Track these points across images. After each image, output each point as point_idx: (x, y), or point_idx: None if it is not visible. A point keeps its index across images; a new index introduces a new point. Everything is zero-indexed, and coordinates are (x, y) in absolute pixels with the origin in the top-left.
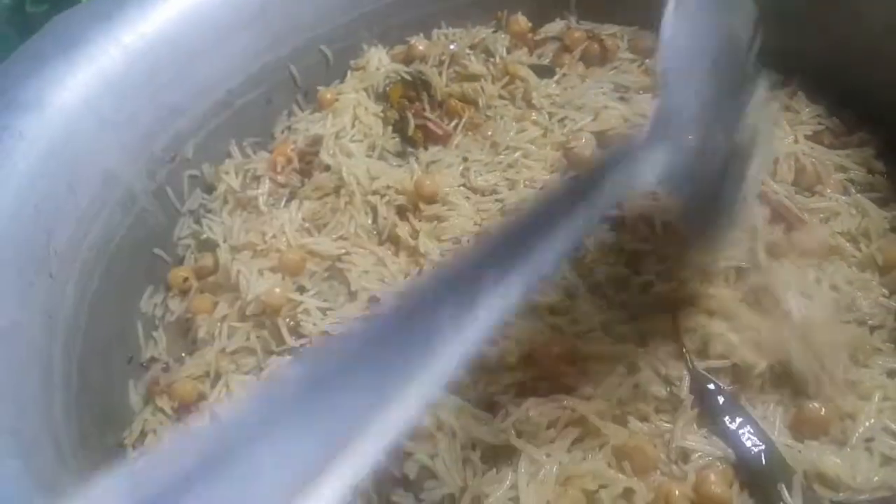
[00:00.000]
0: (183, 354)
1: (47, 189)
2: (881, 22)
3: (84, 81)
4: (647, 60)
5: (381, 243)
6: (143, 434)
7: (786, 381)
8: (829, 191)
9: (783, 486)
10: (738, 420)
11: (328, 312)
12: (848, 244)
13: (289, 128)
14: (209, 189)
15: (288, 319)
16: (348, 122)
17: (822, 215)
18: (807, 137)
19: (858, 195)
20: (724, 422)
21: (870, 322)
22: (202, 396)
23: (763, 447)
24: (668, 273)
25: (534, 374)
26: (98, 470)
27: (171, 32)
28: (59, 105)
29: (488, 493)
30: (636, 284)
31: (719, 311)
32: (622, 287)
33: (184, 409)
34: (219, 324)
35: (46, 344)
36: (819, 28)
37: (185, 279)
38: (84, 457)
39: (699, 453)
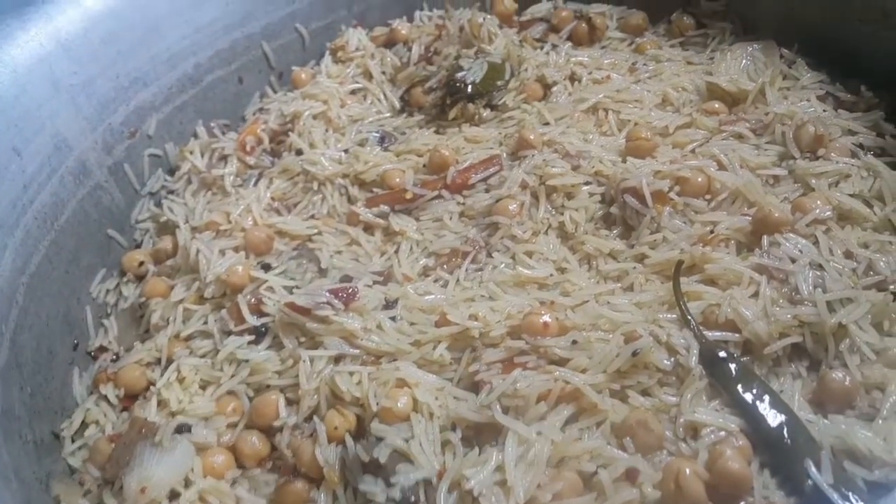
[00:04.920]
0: (135, 344)
1: None
2: None
3: (38, 40)
4: (637, 39)
5: (353, 224)
6: (83, 425)
7: (802, 353)
8: (833, 154)
9: (810, 461)
10: (754, 390)
11: (294, 291)
12: (862, 207)
13: (261, 109)
14: (172, 171)
15: (249, 297)
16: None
17: (829, 179)
18: (808, 102)
19: (870, 157)
20: (738, 392)
21: (892, 288)
22: (151, 383)
23: (784, 419)
24: (663, 242)
25: (520, 349)
26: (27, 464)
27: None
28: (7, 61)
29: (470, 475)
30: (630, 256)
31: (723, 279)
32: (615, 258)
33: (130, 397)
34: (174, 308)
35: None
36: None
37: (141, 263)
38: (11, 444)
39: (711, 428)
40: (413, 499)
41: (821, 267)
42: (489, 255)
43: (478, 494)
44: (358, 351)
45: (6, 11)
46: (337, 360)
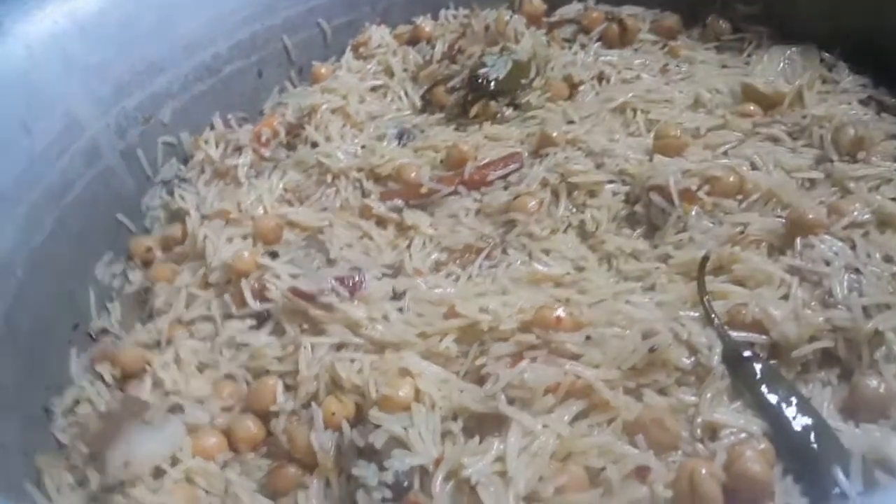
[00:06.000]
0: (136, 325)
1: None
2: None
3: (53, 18)
4: (670, 42)
5: (366, 217)
6: (76, 403)
7: (832, 361)
8: (874, 158)
9: (838, 469)
10: (781, 392)
11: (300, 278)
12: None
13: (279, 104)
14: (186, 160)
15: (253, 282)
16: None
17: (870, 183)
18: (849, 105)
19: None
20: (762, 393)
21: None
22: (149, 364)
23: (811, 423)
24: (689, 242)
25: (531, 343)
26: (12, 433)
27: None
28: (20, 36)
29: (468, 464)
30: (653, 256)
31: (751, 280)
32: (637, 258)
33: (126, 378)
34: (178, 292)
35: None
36: None
37: (149, 249)
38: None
39: (731, 429)
40: (406, 484)
41: (857, 271)
42: (504, 252)
43: (475, 483)
44: (361, 340)
45: None
46: (339, 347)
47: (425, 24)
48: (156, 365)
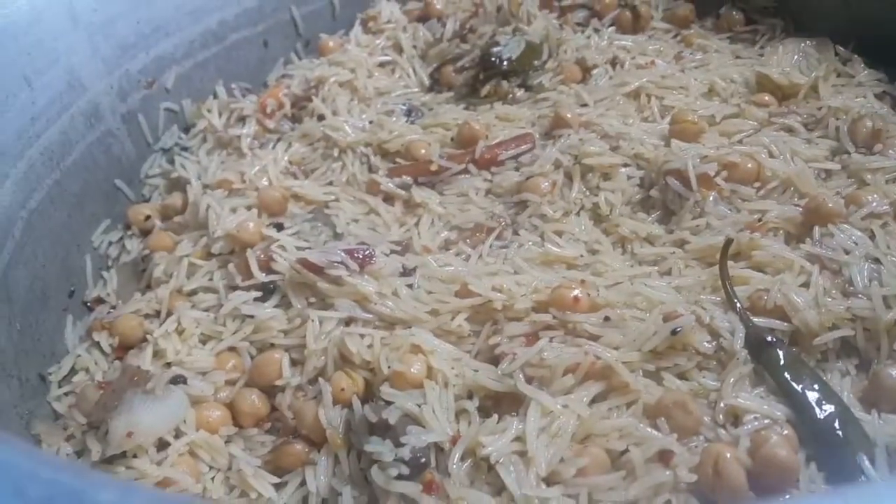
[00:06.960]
0: (135, 295)
1: None
2: None
3: None
4: (683, 31)
5: (373, 193)
6: (72, 371)
7: (850, 350)
8: (891, 151)
9: (864, 456)
10: (804, 378)
11: (307, 251)
12: None
13: (284, 76)
14: (187, 129)
15: (259, 253)
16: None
17: (887, 175)
18: (865, 98)
19: None
20: (786, 379)
21: None
22: (148, 335)
23: (835, 410)
24: (706, 228)
25: (547, 323)
26: (9, 398)
27: None
28: None
29: (486, 443)
30: (669, 241)
31: (771, 266)
32: (652, 243)
33: (123, 348)
34: (178, 262)
35: None
36: None
37: (147, 217)
38: None
39: (754, 415)
40: (423, 460)
41: (877, 261)
42: (515, 232)
43: (495, 462)
44: (371, 316)
45: None
46: (347, 322)
47: (437, 1)
48: (157, 334)
